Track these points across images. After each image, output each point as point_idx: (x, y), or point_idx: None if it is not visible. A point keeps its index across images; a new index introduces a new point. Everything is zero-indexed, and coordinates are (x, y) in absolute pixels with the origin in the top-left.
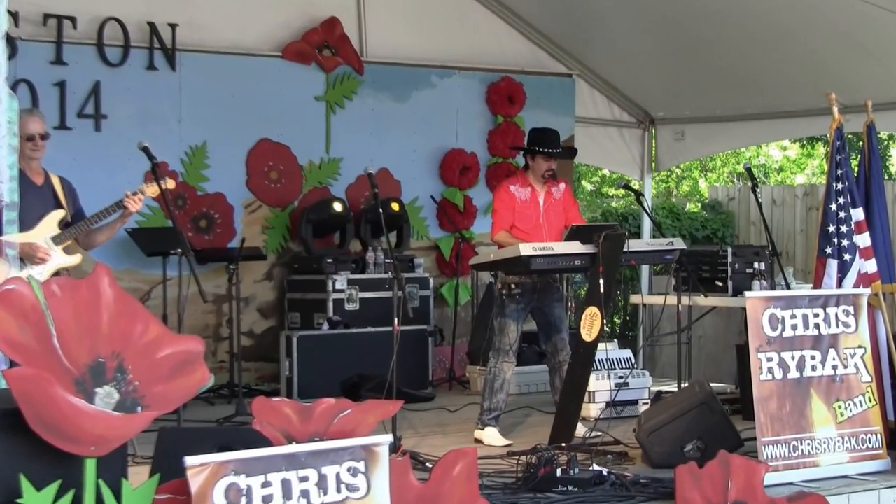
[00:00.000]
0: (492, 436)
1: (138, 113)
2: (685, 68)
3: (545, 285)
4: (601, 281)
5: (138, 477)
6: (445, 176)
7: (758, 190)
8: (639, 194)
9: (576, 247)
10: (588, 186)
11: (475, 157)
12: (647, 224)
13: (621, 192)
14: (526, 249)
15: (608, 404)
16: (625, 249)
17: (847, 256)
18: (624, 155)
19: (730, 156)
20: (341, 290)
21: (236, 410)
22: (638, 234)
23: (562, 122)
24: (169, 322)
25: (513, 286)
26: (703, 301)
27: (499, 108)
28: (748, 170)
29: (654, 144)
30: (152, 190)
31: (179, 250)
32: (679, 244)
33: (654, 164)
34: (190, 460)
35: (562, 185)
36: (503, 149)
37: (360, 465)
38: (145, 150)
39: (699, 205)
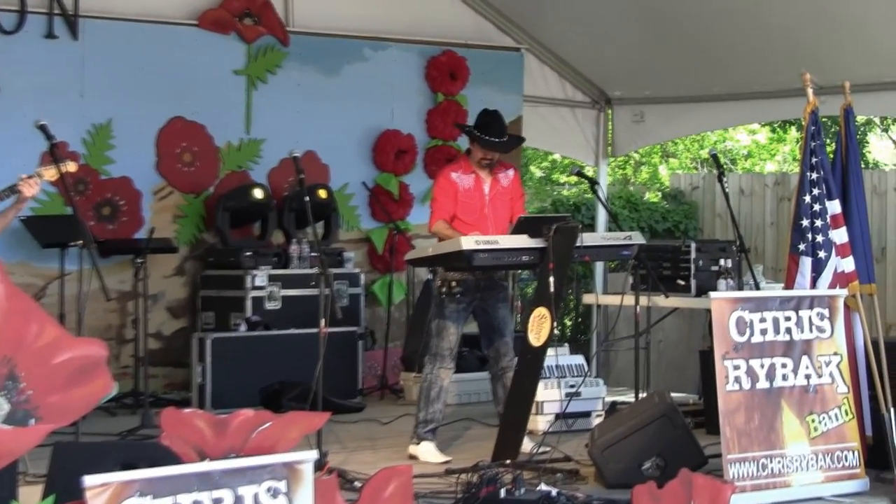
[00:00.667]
0: (428, 451)
1: (35, 86)
2: (645, 44)
3: (490, 283)
4: (551, 279)
5: (30, 498)
6: (379, 160)
7: (724, 178)
8: (593, 182)
9: (523, 240)
10: (537, 173)
11: (412, 139)
12: (602, 215)
13: (573, 179)
14: (468, 243)
15: (558, 416)
16: (578, 244)
17: (822, 253)
18: (577, 138)
19: (693, 140)
20: (261, 287)
21: (142, 423)
22: (592, 227)
23: (509, 100)
24: (67, 322)
25: (453, 284)
26: (663, 302)
27: (439, 85)
28: (714, 156)
29: (610, 127)
30: (50, 173)
31: (80, 241)
32: (637, 238)
33: (610, 149)
34: (89, 479)
35: (510, 172)
36: (444, 130)
37: (282, 485)
38: (42, 128)
39: (660, 194)
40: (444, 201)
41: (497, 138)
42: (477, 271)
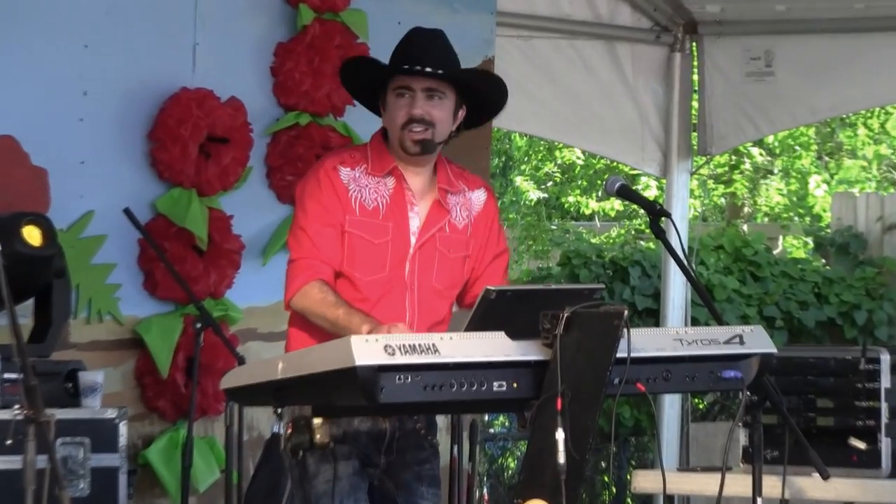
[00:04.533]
0: None
1: None
2: None
3: (403, 433)
4: (559, 434)
5: None
6: (164, 160)
7: None
8: (657, 213)
9: (496, 344)
10: (529, 191)
11: (241, 111)
12: (676, 288)
13: (612, 205)
14: (367, 350)
15: None
16: (620, 353)
17: None
18: (619, 113)
19: (888, 118)
20: None
21: None
22: (655, 317)
23: (465, 25)
24: None
25: (320, 434)
26: (818, 489)
27: None
28: None
29: (695, 87)
30: None
31: None
32: (758, 341)
33: (695, 139)
34: None
35: (477, 195)
36: (315, 90)
37: None
38: None
39: (809, 242)
40: (322, 231)
41: (420, 65)
42: (385, 412)
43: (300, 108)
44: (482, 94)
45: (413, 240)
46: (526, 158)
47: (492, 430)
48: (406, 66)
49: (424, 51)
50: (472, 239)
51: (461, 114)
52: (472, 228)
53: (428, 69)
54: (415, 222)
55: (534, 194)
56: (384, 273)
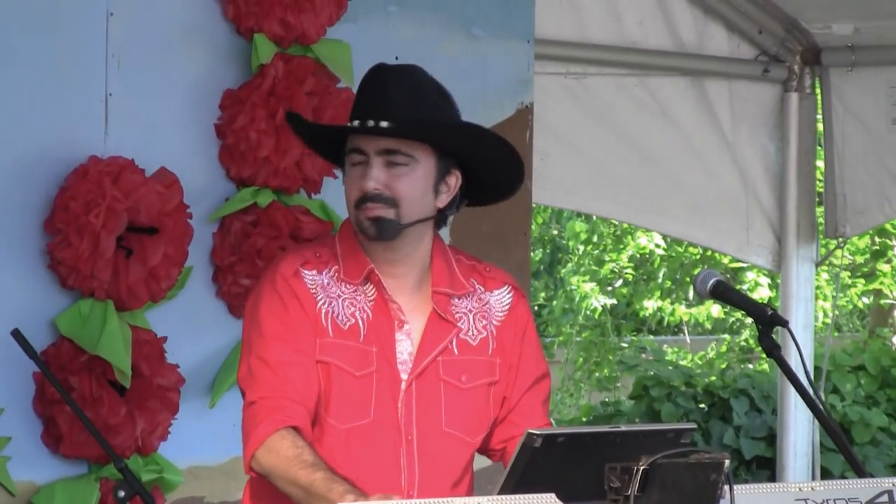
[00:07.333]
0: None
1: None
2: None
3: None
4: None
5: None
6: (67, 258)
7: None
8: (771, 321)
9: None
10: (589, 297)
11: (176, 186)
12: (799, 425)
13: (708, 311)
14: None
15: None
16: None
17: None
18: (716, 182)
19: None
20: None
21: None
22: (770, 470)
23: (493, 62)
24: None
25: None
26: None
27: (262, 16)
28: None
29: (822, 138)
30: None
31: None
32: None
33: (823, 217)
34: None
35: (498, 297)
36: (281, 153)
37: None
38: None
39: None
40: (292, 361)
41: (372, 118)
42: None
43: (258, 182)
44: (479, 157)
45: (404, 371)
46: (583, 248)
47: None
48: (352, 124)
49: (382, 96)
50: (496, 358)
51: (454, 182)
52: (496, 343)
53: (371, 123)
54: (404, 347)
55: (597, 301)
56: (368, 419)
